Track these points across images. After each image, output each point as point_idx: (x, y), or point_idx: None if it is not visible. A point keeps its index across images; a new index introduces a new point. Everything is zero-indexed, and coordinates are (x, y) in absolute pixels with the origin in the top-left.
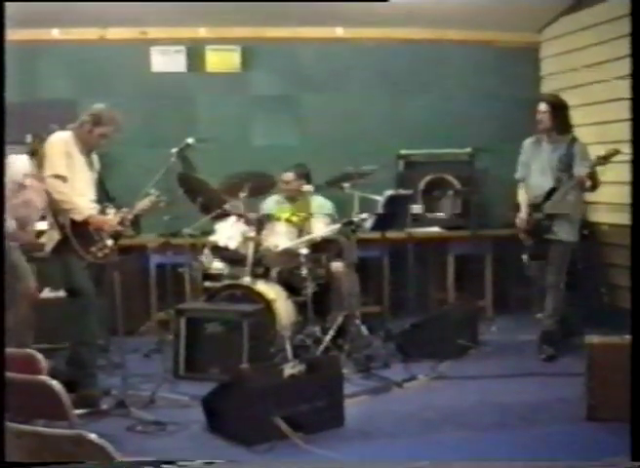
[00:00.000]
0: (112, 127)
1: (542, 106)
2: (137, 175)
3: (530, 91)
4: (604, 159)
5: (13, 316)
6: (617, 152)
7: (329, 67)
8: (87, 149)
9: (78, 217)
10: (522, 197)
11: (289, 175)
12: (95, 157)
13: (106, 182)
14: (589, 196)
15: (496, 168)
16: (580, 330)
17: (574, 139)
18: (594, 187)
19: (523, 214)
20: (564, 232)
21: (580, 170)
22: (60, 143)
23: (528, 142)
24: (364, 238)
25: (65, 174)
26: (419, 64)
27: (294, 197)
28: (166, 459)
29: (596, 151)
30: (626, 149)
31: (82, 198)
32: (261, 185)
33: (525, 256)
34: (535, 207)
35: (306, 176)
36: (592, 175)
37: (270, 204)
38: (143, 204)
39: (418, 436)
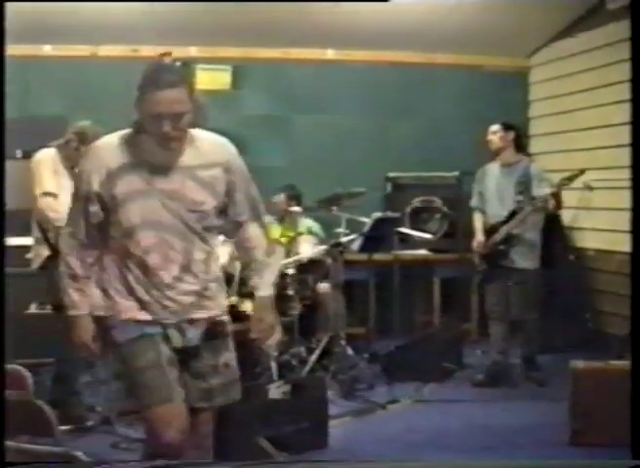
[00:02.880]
0: None
1: (493, 127)
2: None
3: (518, 115)
4: (568, 180)
5: None
6: (581, 173)
7: (319, 88)
8: (71, 166)
9: None
10: (477, 223)
11: (280, 198)
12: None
13: None
14: (575, 221)
15: None
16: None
17: (529, 162)
18: (558, 208)
19: (480, 237)
20: (522, 259)
21: (542, 190)
22: (48, 161)
23: (479, 172)
24: (351, 260)
25: (55, 191)
26: (408, 87)
27: (282, 217)
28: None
29: (587, 177)
30: (616, 175)
31: None
32: None
33: (479, 282)
34: (491, 231)
35: (297, 198)
36: (556, 196)
37: None
38: None
39: (400, 458)
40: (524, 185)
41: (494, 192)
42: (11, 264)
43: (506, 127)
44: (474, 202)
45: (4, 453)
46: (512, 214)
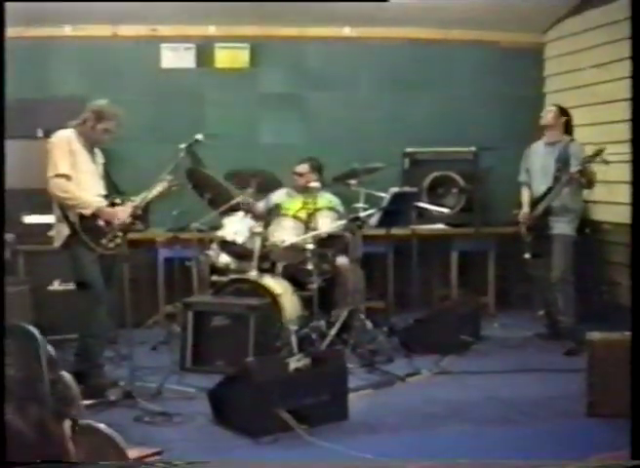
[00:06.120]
0: (114, 121)
1: (550, 107)
2: (146, 169)
3: (533, 90)
4: (590, 158)
5: None
6: (601, 151)
7: (336, 66)
8: (90, 145)
9: (86, 212)
10: (524, 196)
11: (304, 167)
12: (98, 151)
13: (116, 177)
14: (591, 195)
15: (499, 166)
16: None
17: (571, 140)
18: (590, 184)
19: (525, 209)
20: (562, 226)
21: (572, 168)
22: (63, 142)
23: (528, 149)
24: (369, 234)
25: (69, 172)
26: (424, 64)
27: (303, 191)
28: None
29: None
30: (628, 149)
31: (88, 192)
32: (267, 183)
33: (527, 255)
34: (534, 204)
35: (319, 169)
36: (583, 173)
37: (280, 195)
38: (157, 189)
39: (420, 429)
40: (563, 162)
41: (538, 169)
42: (34, 242)
43: (562, 110)
44: (522, 177)
45: (4, 453)
46: (550, 189)
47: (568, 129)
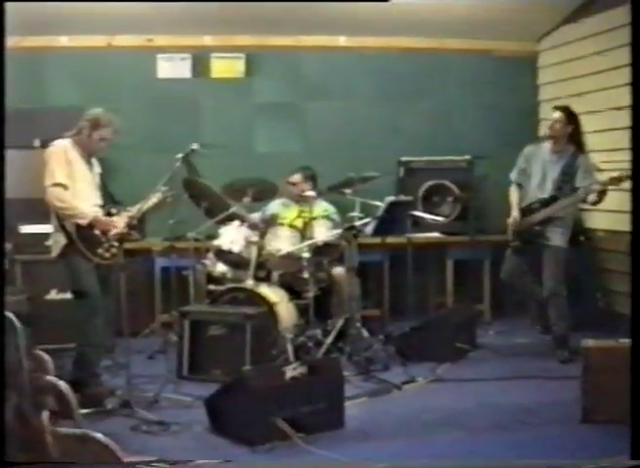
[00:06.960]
0: (110, 129)
1: (557, 113)
2: (142, 179)
3: (527, 99)
4: (618, 180)
5: None
6: (627, 176)
7: (331, 75)
8: (87, 154)
9: (82, 222)
10: (514, 197)
11: (296, 177)
12: (94, 161)
13: (112, 187)
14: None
15: (494, 174)
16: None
17: (578, 153)
18: (598, 202)
19: (516, 213)
20: (556, 238)
21: (586, 182)
22: (60, 151)
23: (528, 149)
24: (365, 243)
25: (65, 182)
26: (419, 73)
27: (298, 200)
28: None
29: (597, 159)
30: (625, 157)
31: (85, 202)
32: (264, 191)
33: (508, 252)
34: (529, 211)
35: (313, 178)
36: (601, 193)
37: (275, 206)
38: (152, 200)
39: (416, 437)
40: (569, 175)
41: (538, 173)
42: (32, 251)
43: (569, 117)
44: (514, 176)
45: (4, 453)
46: (553, 199)
47: (577, 136)
